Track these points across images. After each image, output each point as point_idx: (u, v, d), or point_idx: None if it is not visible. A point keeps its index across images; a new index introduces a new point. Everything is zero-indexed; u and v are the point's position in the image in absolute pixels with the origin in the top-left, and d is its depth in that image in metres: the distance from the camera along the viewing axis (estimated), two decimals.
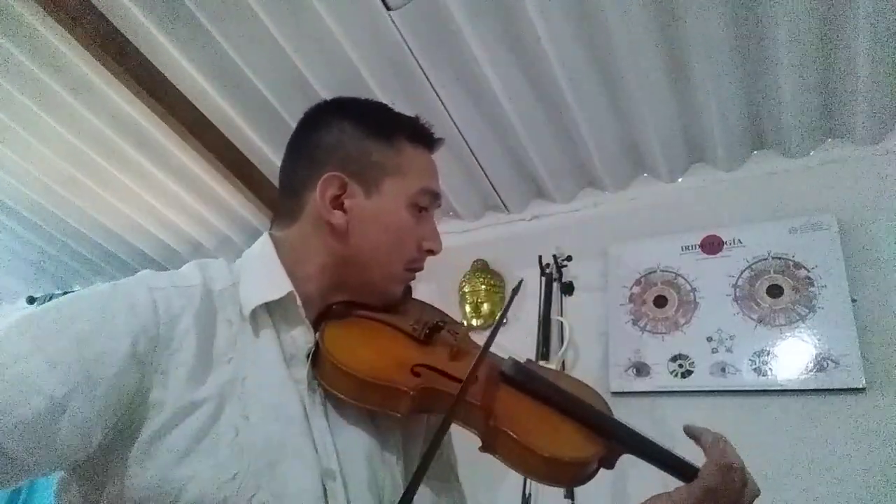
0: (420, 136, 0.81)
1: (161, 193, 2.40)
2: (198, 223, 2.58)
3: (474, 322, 2.02)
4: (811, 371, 1.45)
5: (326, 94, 1.75)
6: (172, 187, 2.34)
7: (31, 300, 3.25)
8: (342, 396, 0.70)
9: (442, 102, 1.75)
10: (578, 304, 1.89)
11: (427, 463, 0.57)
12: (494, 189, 2.06)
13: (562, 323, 1.85)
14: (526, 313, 1.91)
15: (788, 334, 1.52)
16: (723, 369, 1.56)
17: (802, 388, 1.45)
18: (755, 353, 1.53)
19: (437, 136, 0.84)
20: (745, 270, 1.63)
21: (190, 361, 0.63)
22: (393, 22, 1.55)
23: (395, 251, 0.78)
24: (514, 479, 1.61)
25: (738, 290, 1.63)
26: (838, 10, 1.35)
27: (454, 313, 2.02)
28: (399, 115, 0.83)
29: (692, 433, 0.74)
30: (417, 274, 0.83)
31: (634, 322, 1.74)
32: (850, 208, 1.57)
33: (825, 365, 1.44)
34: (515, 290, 0.85)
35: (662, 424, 1.60)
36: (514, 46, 1.57)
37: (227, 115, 1.96)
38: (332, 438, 0.69)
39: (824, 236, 1.55)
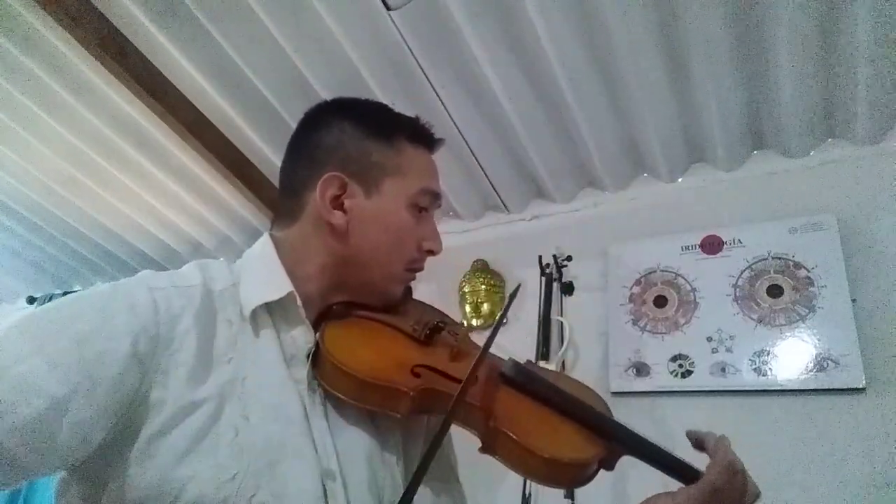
0: (420, 136, 0.81)
1: (161, 193, 2.40)
2: (198, 223, 2.58)
3: (474, 322, 2.02)
4: (811, 371, 1.45)
5: (326, 94, 1.75)
6: (172, 187, 2.34)
7: (31, 300, 3.25)
8: (342, 397, 0.70)
9: (442, 102, 1.75)
10: (578, 304, 1.89)
11: (427, 464, 0.57)
12: (494, 189, 2.06)
13: (562, 323, 1.85)
14: (526, 313, 1.91)
15: (788, 334, 1.52)
16: (723, 369, 1.56)
17: (802, 388, 1.45)
18: (755, 353, 1.53)
19: (437, 136, 0.84)
20: (745, 270, 1.63)
21: (190, 361, 0.63)
22: (393, 22, 1.55)
23: (395, 251, 0.78)
24: (514, 479, 1.61)
25: (738, 290, 1.63)
26: (838, 10, 1.35)
27: (454, 313, 2.04)
28: (399, 115, 0.83)
29: (695, 437, 0.73)
30: (417, 274, 0.83)
31: (634, 322, 1.74)
32: (850, 208, 1.57)
33: (825, 365, 1.44)
34: (513, 295, 0.85)
35: (662, 424, 1.60)
36: (514, 46, 1.57)
37: (227, 115, 1.96)
38: (332, 439, 0.69)
39: (824, 236, 1.55)
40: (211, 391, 0.64)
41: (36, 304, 3.21)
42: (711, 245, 1.71)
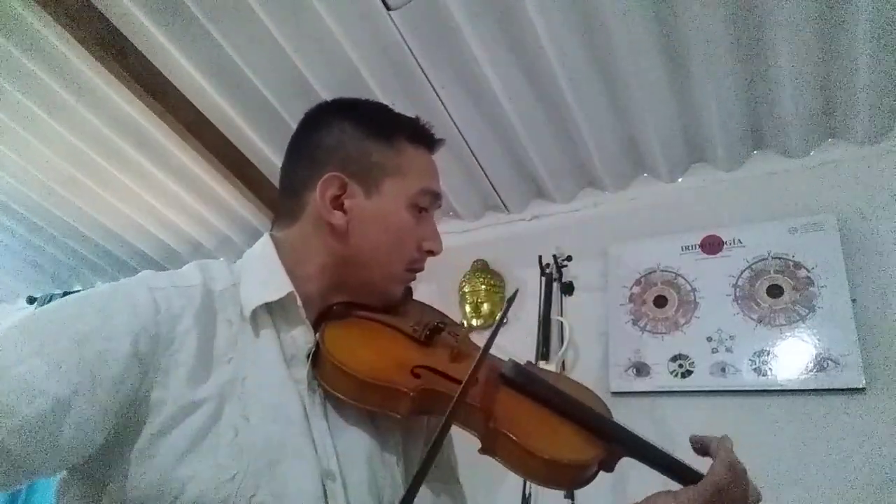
0: (420, 136, 0.82)
1: (161, 193, 2.40)
2: (198, 223, 2.58)
3: (474, 322, 2.02)
4: (811, 371, 1.45)
5: (326, 94, 1.75)
6: (172, 187, 2.34)
7: (31, 300, 3.25)
8: (342, 397, 0.70)
9: (442, 102, 1.75)
10: (578, 304, 1.89)
11: (428, 465, 0.57)
12: (494, 189, 2.06)
13: (562, 323, 1.85)
14: (526, 313, 1.91)
15: (788, 334, 1.52)
16: (723, 369, 1.56)
17: (802, 388, 1.45)
18: (755, 353, 1.53)
19: (437, 136, 0.84)
20: (745, 270, 1.63)
21: (190, 361, 0.64)
22: (393, 22, 1.55)
23: (395, 252, 0.78)
24: (514, 480, 1.61)
25: (738, 290, 1.63)
26: (838, 10, 1.35)
27: (454, 313, 2.04)
28: (399, 115, 0.83)
29: (699, 442, 0.73)
30: (417, 274, 0.83)
31: (634, 322, 1.74)
32: (850, 208, 1.57)
33: (825, 365, 1.44)
34: (511, 300, 0.85)
35: (662, 424, 1.60)
36: (514, 46, 1.57)
37: (227, 115, 1.96)
38: (332, 439, 0.69)
39: (824, 236, 1.55)
40: (211, 391, 0.64)
41: (36, 304, 3.21)
42: (711, 245, 1.71)
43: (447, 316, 0.91)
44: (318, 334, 0.73)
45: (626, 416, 0.79)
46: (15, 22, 1.77)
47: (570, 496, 1.59)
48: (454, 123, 1.80)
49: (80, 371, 0.57)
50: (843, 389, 1.41)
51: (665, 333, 1.68)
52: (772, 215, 1.66)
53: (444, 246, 0.83)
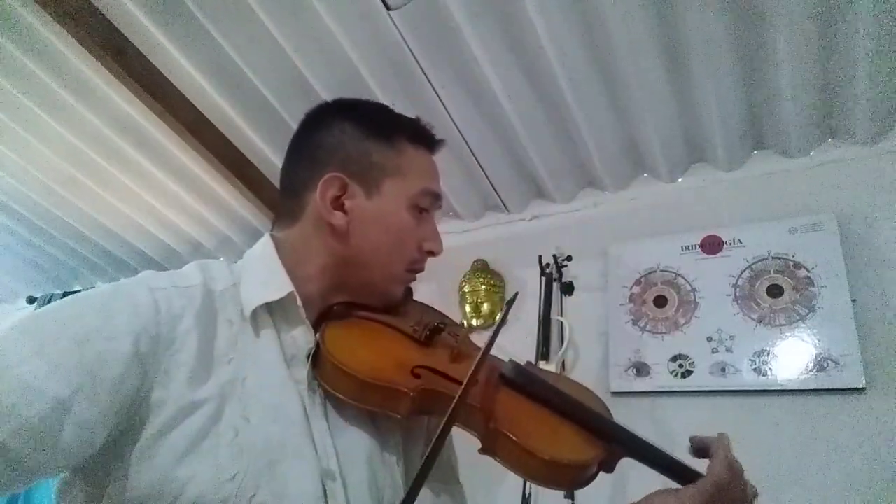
0: (421, 136, 0.82)
1: (161, 193, 2.40)
2: (198, 223, 2.58)
3: (474, 322, 2.02)
4: (811, 371, 1.45)
5: (326, 94, 1.75)
6: (172, 187, 2.34)
7: (31, 300, 3.25)
8: (342, 397, 0.70)
9: (442, 102, 1.75)
10: (578, 304, 1.89)
11: (429, 466, 0.57)
12: (494, 189, 2.06)
13: (562, 323, 1.86)
14: (526, 313, 1.91)
15: (788, 334, 1.52)
16: (723, 369, 1.56)
17: (802, 388, 1.46)
18: (755, 353, 1.54)
19: (437, 137, 0.84)
20: (745, 270, 1.63)
21: (191, 362, 0.64)
22: (393, 22, 1.55)
23: (395, 252, 0.78)
24: (514, 480, 1.60)
25: (738, 290, 1.63)
26: (838, 10, 1.35)
27: (454, 313, 2.04)
28: (400, 116, 0.83)
29: (698, 443, 0.73)
30: (417, 274, 0.83)
31: (634, 322, 1.74)
32: (850, 208, 1.57)
33: (825, 365, 1.44)
34: (510, 303, 0.85)
35: (662, 424, 1.60)
36: (514, 46, 1.57)
37: (227, 115, 1.96)
38: (332, 439, 0.69)
39: (824, 236, 1.55)
40: (211, 391, 0.64)
41: (36, 304, 3.21)
42: (711, 245, 1.71)
43: (447, 316, 0.91)
44: (318, 334, 0.73)
45: (626, 416, 0.79)
46: (15, 22, 1.77)
47: (570, 496, 1.59)
48: (454, 123, 1.80)
49: (80, 371, 0.57)
50: (843, 389, 1.41)
51: (665, 333, 1.69)
52: (772, 215, 1.66)
53: (445, 246, 0.83)
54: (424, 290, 0.90)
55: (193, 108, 1.97)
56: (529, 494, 1.62)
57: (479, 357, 0.69)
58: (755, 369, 1.52)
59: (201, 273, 0.72)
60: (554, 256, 1.92)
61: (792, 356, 1.49)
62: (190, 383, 0.63)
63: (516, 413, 0.72)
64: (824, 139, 1.65)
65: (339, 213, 0.76)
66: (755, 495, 0.71)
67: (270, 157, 2.07)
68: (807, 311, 1.51)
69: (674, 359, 1.64)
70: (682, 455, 0.73)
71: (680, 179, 1.86)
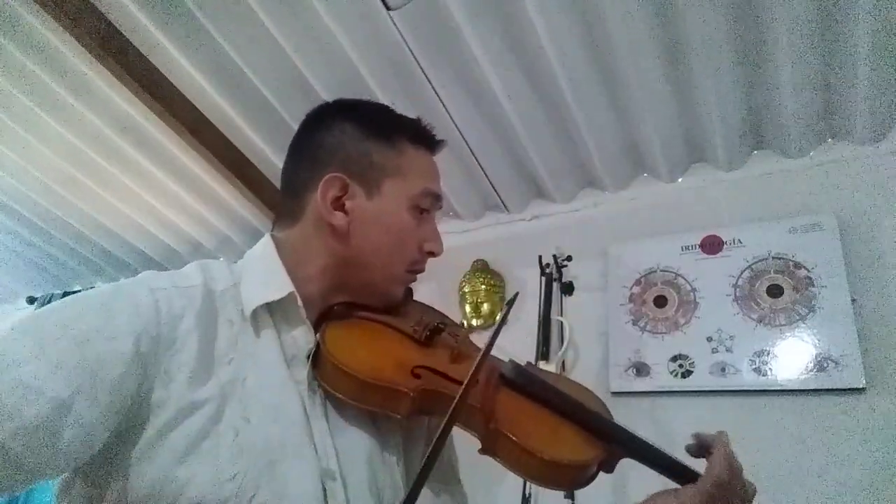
0: (421, 137, 0.82)
1: (161, 193, 2.40)
2: (198, 223, 2.58)
3: (474, 322, 2.02)
4: (811, 371, 1.45)
5: (326, 94, 1.75)
6: (172, 187, 2.34)
7: (31, 300, 3.25)
8: (343, 397, 0.70)
9: (442, 102, 1.75)
10: (578, 304, 1.89)
11: (430, 466, 0.57)
12: (494, 189, 2.06)
13: (562, 323, 1.86)
14: (526, 313, 1.91)
15: (788, 334, 1.52)
16: (723, 369, 1.56)
17: (802, 388, 1.46)
18: (755, 353, 1.54)
19: (438, 137, 0.84)
20: (745, 270, 1.64)
21: (191, 362, 0.64)
22: (393, 22, 1.55)
23: (396, 253, 0.78)
24: (514, 480, 1.60)
25: (738, 290, 1.63)
26: (838, 9, 1.35)
27: (454, 313, 2.04)
28: (401, 116, 0.83)
29: (697, 444, 0.73)
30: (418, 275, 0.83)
31: (634, 322, 1.74)
32: (850, 208, 1.57)
33: (825, 365, 1.44)
34: (511, 303, 0.85)
35: (662, 424, 1.60)
36: (514, 46, 1.57)
37: (227, 115, 1.96)
38: (333, 439, 0.69)
39: (824, 236, 1.55)
40: (212, 392, 0.64)
41: (36, 304, 3.21)
42: (711, 245, 1.71)
43: (447, 317, 0.91)
44: (318, 335, 0.73)
45: (626, 416, 0.79)
46: (15, 22, 1.77)
47: (570, 496, 1.59)
48: (454, 123, 1.80)
49: (80, 372, 0.57)
50: (843, 389, 1.41)
51: (665, 333, 1.69)
52: (772, 215, 1.66)
53: (445, 246, 0.83)
54: (424, 290, 0.90)
55: (193, 108, 1.97)
56: (529, 494, 1.62)
57: (479, 357, 0.69)
58: (755, 369, 1.52)
59: (202, 273, 0.72)
60: (554, 256, 1.92)
61: (792, 356, 1.49)
62: (190, 384, 0.63)
63: (516, 413, 0.72)
64: (824, 139, 1.65)
65: (340, 214, 0.76)
66: (754, 493, 0.71)
67: (270, 157, 2.07)
68: (807, 311, 1.51)
69: (674, 359, 1.64)
70: (682, 455, 0.73)
71: (680, 179, 1.86)
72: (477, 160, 1.95)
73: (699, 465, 0.71)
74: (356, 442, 0.71)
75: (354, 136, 0.78)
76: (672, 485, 0.70)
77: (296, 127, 0.84)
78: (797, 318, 1.52)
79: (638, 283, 1.79)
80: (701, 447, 0.73)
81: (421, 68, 1.66)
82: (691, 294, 1.69)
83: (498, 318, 1.97)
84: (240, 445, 0.62)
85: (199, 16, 1.63)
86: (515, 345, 1.80)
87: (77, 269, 3.02)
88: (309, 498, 0.64)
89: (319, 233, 0.77)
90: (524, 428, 0.69)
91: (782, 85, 1.50)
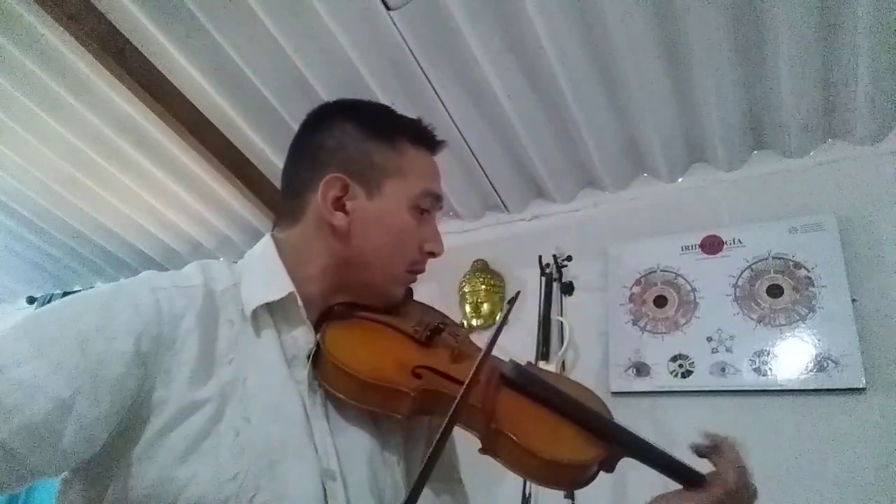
0: (422, 137, 0.82)
1: (161, 193, 2.40)
2: (198, 223, 2.58)
3: (474, 322, 2.02)
4: (811, 371, 1.45)
5: (326, 94, 1.75)
6: (172, 187, 2.34)
7: (31, 300, 3.25)
8: (343, 397, 0.70)
9: (442, 102, 1.75)
10: (578, 304, 1.89)
11: (431, 465, 0.57)
12: (494, 189, 2.06)
13: (562, 323, 1.86)
14: (526, 313, 1.91)
15: (788, 334, 1.52)
16: (723, 369, 1.56)
17: (802, 388, 1.46)
18: (755, 353, 1.54)
19: (439, 138, 0.84)
20: (745, 270, 1.64)
21: (192, 362, 0.64)
22: (393, 22, 1.55)
23: (396, 253, 0.78)
24: (514, 480, 1.61)
25: (738, 290, 1.63)
26: (838, 10, 1.35)
27: (454, 313, 2.04)
28: (401, 116, 0.83)
29: (706, 444, 0.73)
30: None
31: (634, 322, 1.74)
32: (850, 208, 1.57)
33: (825, 365, 1.44)
34: (512, 301, 0.85)
35: (662, 424, 1.60)
36: (514, 46, 1.57)
37: (227, 115, 1.96)
38: (333, 439, 0.69)
39: (824, 236, 1.55)
40: (212, 392, 0.64)
41: (36, 304, 3.21)
42: (711, 245, 1.71)
43: (448, 316, 0.91)
44: (318, 335, 0.73)
45: (626, 416, 0.79)
46: (15, 22, 1.77)
47: (571, 496, 1.59)
48: (454, 123, 1.80)
49: (81, 371, 0.57)
50: (843, 389, 1.41)
51: (665, 333, 1.69)
52: (772, 215, 1.66)
53: (445, 246, 0.83)
54: (424, 290, 0.90)
55: (193, 108, 1.97)
56: (529, 494, 1.62)
57: (481, 357, 0.69)
58: (755, 369, 1.52)
59: (202, 273, 0.72)
60: (554, 256, 1.92)
61: (792, 356, 1.49)
62: (191, 383, 0.63)
63: (517, 413, 0.72)
64: (824, 139, 1.65)
65: (340, 214, 0.76)
66: (755, 494, 0.71)
67: (270, 157, 2.07)
68: (807, 311, 1.51)
69: (674, 359, 1.64)
70: (682, 454, 0.73)
71: (680, 179, 1.86)
72: (477, 160, 1.95)
73: (699, 464, 0.71)
74: (357, 442, 0.71)
75: (355, 137, 0.78)
76: (672, 484, 0.70)
77: (296, 127, 0.84)
78: (797, 318, 1.52)
79: (638, 283, 1.79)
80: (709, 449, 0.73)
81: (421, 68, 1.66)
82: (691, 294, 1.69)
83: (499, 317, 1.97)
84: (240, 445, 0.62)
85: (199, 16, 1.63)
86: (515, 345, 1.80)
87: (77, 269, 3.02)
88: (309, 498, 0.64)
89: (320, 233, 0.77)
90: (525, 428, 0.69)
91: (782, 85, 1.50)
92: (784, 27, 1.37)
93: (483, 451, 0.70)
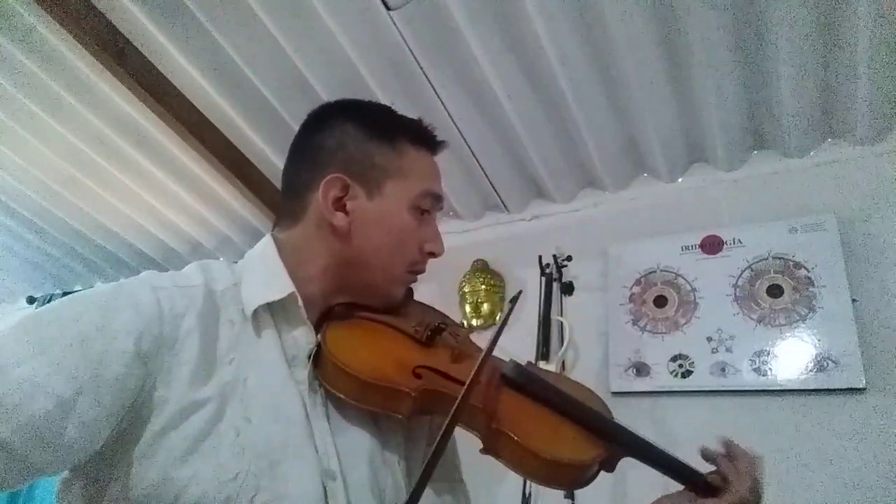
0: (423, 138, 0.82)
1: (161, 193, 2.40)
2: (198, 223, 2.58)
3: (474, 322, 2.02)
4: (811, 371, 1.45)
5: (326, 94, 1.75)
6: (172, 187, 2.34)
7: (31, 300, 3.24)
8: (344, 397, 0.70)
9: (442, 102, 1.75)
10: (578, 304, 1.89)
11: (433, 465, 0.57)
12: (494, 189, 2.06)
13: (562, 323, 1.86)
14: (526, 313, 1.91)
15: (788, 334, 1.52)
16: (723, 369, 1.56)
17: (802, 388, 1.46)
18: (755, 353, 1.54)
19: (439, 138, 0.84)
20: (745, 270, 1.64)
21: (193, 362, 0.64)
22: (393, 22, 1.55)
23: (396, 253, 0.78)
24: (514, 479, 1.61)
25: (738, 290, 1.63)
26: (838, 10, 1.35)
27: (454, 313, 2.04)
28: (402, 117, 0.83)
29: (723, 449, 0.74)
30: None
31: (634, 322, 1.74)
32: (850, 208, 1.57)
33: (825, 365, 1.44)
34: (514, 301, 0.86)
35: (662, 424, 1.60)
36: (514, 46, 1.57)
37: (227, 115, 1.96)
38: (333, 439, 0.69)
39: (824, 236, 1.55)
40: (213, 391, 0.64)
41: (36, 304, 3.20)
42: (711, 245, 1.71)
43: (448, 316, 0.91)
44: (319, 335, 0.73)
45: (626, 416, 0.79)
46: (15, 21, 1.77)
47: (571, 496, 1.59)
48: (454, 123, 1.80)
49: (82, 370, 0.57)
50: (843, 389, 1.41)
51: (665, 333, 1.69)
52: (772, 215, 1.66)
53: (445, 246, 0.83)
54: (424, 291, 0.90)
55: (194, 108, 1.97)
56: (529, 494, 1.62)
57: (482, 357, 0.69)
58: (755, 369, 1.52)
59: (202, 273, 0.73)
60: (554, 256, 1.92)
61: (792, 356, 1.49)
62: (192, 383, 0.63)
63: (517, 413, 0.72)
64: (824, 139, 1.65)
65: (341, 214, 0.76)
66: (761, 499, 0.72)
67: (270, 157, 2.06)
68: (807, 311, 1.51)
69: (674, 359, 1.64)
70: (683, 455, 0.73)
71: (680, 179, 1.86)
72: (477, 160, 1.95)
73: (699, 464, 0.71)
74: (357, 442, 0.71)
75: (356, 137, 0.78)
76: (673, 484, 0.70)
77: (296, 127, 0.84)
78: (797, 318, 1.52)
79: (638, 283, 1.79)
80: (722, 456, 0.73)
81: (421, 68, 1.66)
82: (691, 294, 1.69)
83: (499, 317, 1.97)
84: (241, 445, 0.62)
85: (199, 16, 1.62)
86: (515, 345, 1.80)
87: (77, 269, 3.02)
88: (310, 498, 0.64)
89: (320, 233, 0.77)
90: (525, 427, 0.69)
91: (782, 85, 1.50)
92: (784, 27, 1.37)
93: (484, 451, 0.70)
